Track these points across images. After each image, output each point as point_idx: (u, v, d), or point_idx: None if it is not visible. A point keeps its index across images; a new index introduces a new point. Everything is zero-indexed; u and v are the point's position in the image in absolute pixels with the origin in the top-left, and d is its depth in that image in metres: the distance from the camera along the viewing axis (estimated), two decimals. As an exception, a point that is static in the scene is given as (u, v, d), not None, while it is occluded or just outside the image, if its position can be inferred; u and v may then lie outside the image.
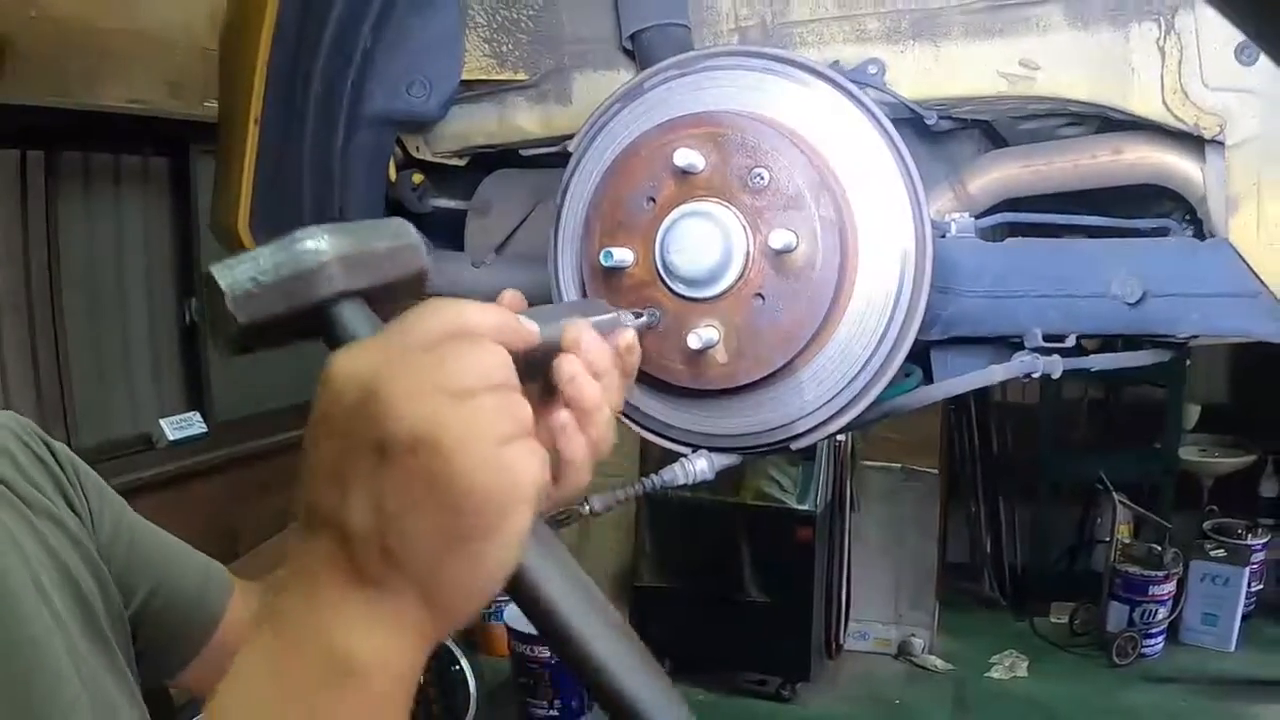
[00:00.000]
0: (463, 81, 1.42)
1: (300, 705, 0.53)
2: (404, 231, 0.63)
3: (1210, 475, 4.72)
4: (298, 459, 0.55)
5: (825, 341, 1.02)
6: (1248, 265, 1.13)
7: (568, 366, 0.60)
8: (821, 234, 0.98)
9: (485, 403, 0.51)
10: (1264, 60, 1.13)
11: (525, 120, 1.46)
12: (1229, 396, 4.90)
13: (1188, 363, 4.44)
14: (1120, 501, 4.50)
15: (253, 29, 1.38)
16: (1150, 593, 4.31)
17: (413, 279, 0.62)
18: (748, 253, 0.99)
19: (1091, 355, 1.25)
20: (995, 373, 1.19)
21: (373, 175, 1.48)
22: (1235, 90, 1.15)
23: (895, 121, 1.28)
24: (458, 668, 3.48)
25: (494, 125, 1.48)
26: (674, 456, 1.14)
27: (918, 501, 4.45)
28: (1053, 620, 4.67)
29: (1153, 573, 4.32)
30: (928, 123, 1.27)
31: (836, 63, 1.25)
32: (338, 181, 1.45)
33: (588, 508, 1.07)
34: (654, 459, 1.13)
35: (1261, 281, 1.12)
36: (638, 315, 0.83)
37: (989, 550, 4.98)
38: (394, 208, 1.54)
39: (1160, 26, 1.17)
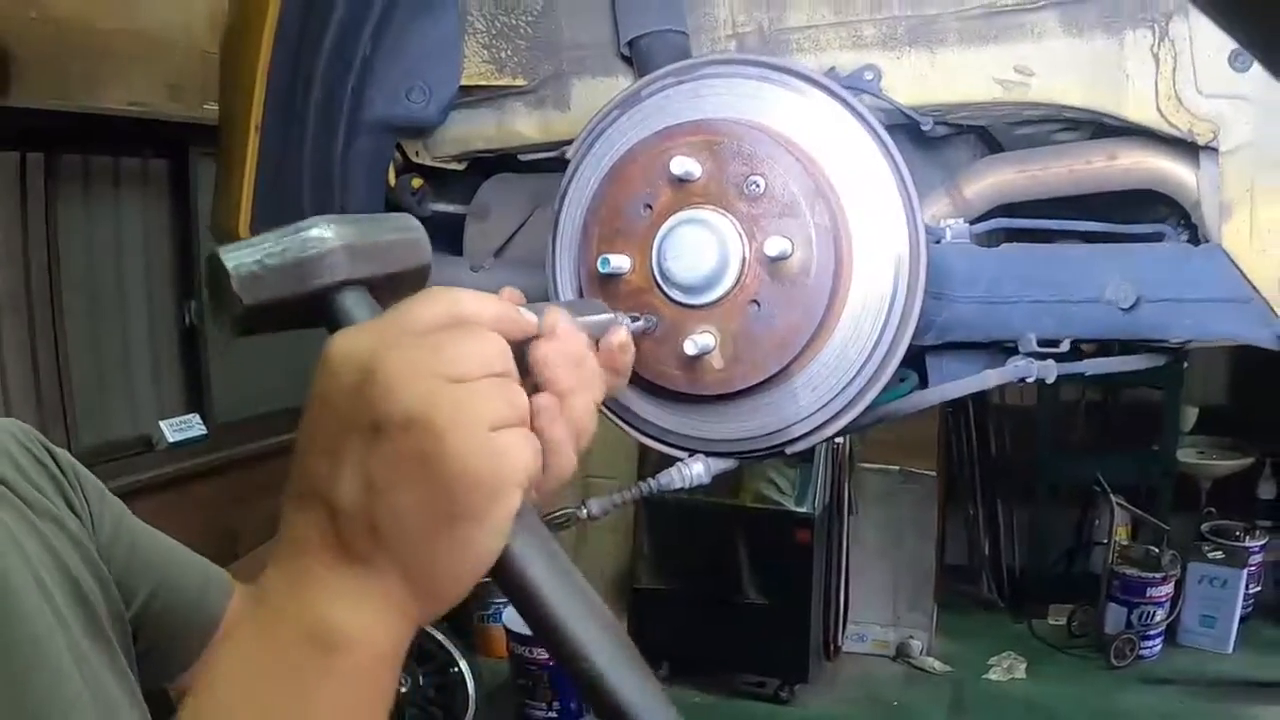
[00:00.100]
0: (462, 87, 1.43)
1: (285, 678, 0.54)
2: (409, 225, 0.65)
3: (1208, 477, 4.72)
4: (292, 461, 0.56)
5: (820, 347, 1.02)
6: (1240, 271, 1.14)
7: (541, 349, 0.61)
8: (816, 241, 0.99)
9: (481, 388, 0.52)
10: (1257, 67, 1.14)
11: (524, 125, 1.47)
12: (1227, 399, 4.91)
13: (1185, 365, 4.44)
14: (1118, 503, 4.50)
15: (253, 34, 1.38)
16: (1148, 594, 4.31)
17: (415, 272, 0.64)
18: (743, 260, 1.00)
19: (1085, 360, 1.26)
20: (989, 377, 1.20)
21: (372, 180, 1.49)
22: (1229, 97, 1.16)
23: (891, 127, 1.29)
24: (456, 669, 3.49)
25: (493, 130, 1.49)
26: (672, 461, 1.15)
27: (916, 503, 4.45)
28: (1051, 622, 4.67)
29: (1150, 575, 4.33)
30: (923, 128, 1.28)
31: (833, 69, 1.26)
32: (338, 186, 1.45)
33: (585, 511, 1.08)
34: (652, 463, 1.13)
35: (1254, 287, 1.13)
36: (634, 320, 0.84)
37: (987, 552, 4.99)
38: (394, 212, 1.54)
39: (1154, 33, 1.18)
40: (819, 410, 1.04)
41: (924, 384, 1.25)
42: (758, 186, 1.00)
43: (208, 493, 3.58)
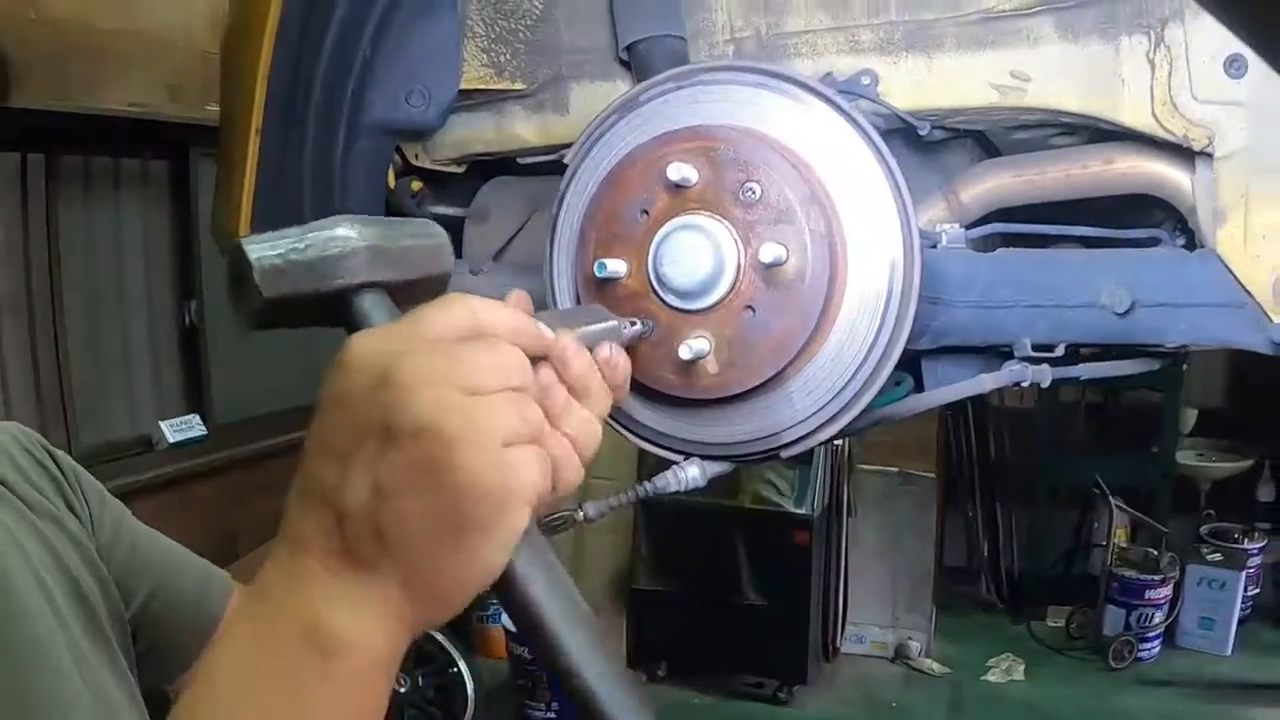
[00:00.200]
0: (461, 91, 1.43)
1: (282, 679, 0.54)
2: (432, 232, 0.65)
3: (1207, 479, 4.73)
4: (298, 462, 0.56)
5: (815, 351, 1.03)
6: (1234, 276, 1.14)
7: (552, 366, 0.61)
8: (811, 247, 1.00)
9: (496, 402, 0.52)
10: (1252, 73, 1.15)
11: (523, 129, 1.47)
12: (1226, 401, 4.91)
13: (1185, 367, 4.45)
14: (1117, 505, 4.51)
15: (254, 37, 1.39)
16: (1147, 596, 4.32)
17: (435, 279, 0.64)
18: (739, 265, 1.00)
19: (1080, 364, 1.26)
20: (984, 382, 1.21)
21: (372, 182, 1.49)
22: (1224, 103, 1.16)
23: (888, 132, 1.30)
24: (455, 670, 3.49)
25: (492, 134, 1.50)
26: (669, 463, 1.16)
27: (915, 505, 4.46)
28: (1049, 624, 4.68)
29: (1149, 577, 4.33)
30: (920, 133, 1.28)
31: (830, 74, 1.26)
32: (338, 188, 1.46)
33: (582, 514, 1.09)
34: (651, 465, 1.14)
35: (1248, 292, 1.14)
36: (632, 324, 0.84)
37: (986, 554, 4.99)
38: (393, 214, 1.55)
39: (1150, 39, 1.19)
40: (814, 414, 1.04)
41: (920, 388, 1.26)
42: (753, 193, 1.00)
43: (207, 493, 3.59)
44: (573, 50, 1.40)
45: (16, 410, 3.13)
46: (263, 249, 0.57)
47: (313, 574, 0.54)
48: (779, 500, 4.04)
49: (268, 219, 1.47)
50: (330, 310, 0.59)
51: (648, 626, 4.27)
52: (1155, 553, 4.38)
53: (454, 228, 1.62)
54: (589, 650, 0.57)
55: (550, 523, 1.09)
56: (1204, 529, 4.57)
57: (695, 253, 1.00)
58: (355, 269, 0.58)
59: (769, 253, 0.98)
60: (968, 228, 1.28)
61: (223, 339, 3.91)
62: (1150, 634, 4.32)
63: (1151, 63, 1.18)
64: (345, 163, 1.45)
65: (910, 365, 1.26)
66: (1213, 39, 1.15)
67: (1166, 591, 4.34)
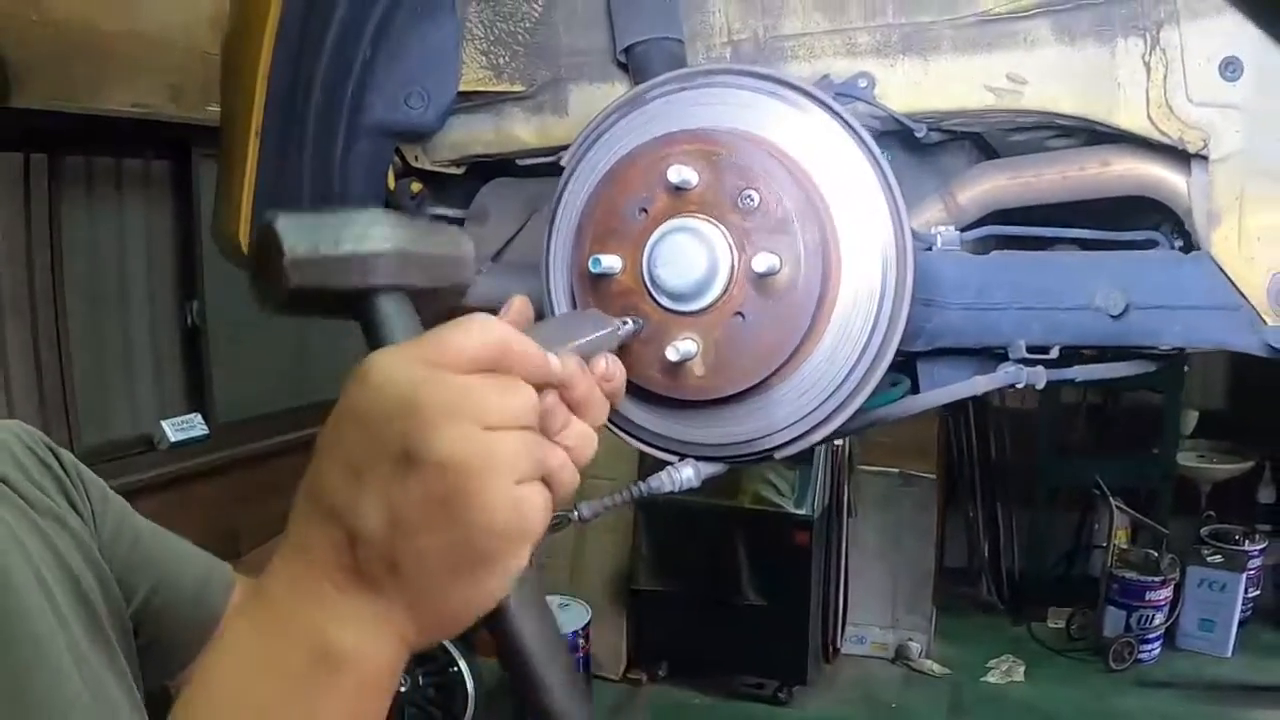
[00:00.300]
0: (460, 92, 1.44)
1: (286, 687, 0.55)
2: (460, 242, 0.66)
3: (1208, 481, 4.73)
4: (299, 461, 0.56)
5: (808, 354, 1.03)
6: (1228, 278, 1.15)
7: (554, 396, 0.62)
8: (805, 258, 1.00)
9: (511, 440, 0.53)
10: (1247, 76, 1.15)
11: (522, 131, 1.48)
12: (1227, 402, 4.91)
13: (1186, 369, 4.45)
14: (1118, 507, 4.51)
15: (254, 39, 1.40)
16: (1147, 598, 4.32)
17: (455, 289, 0.65)
18: (732, 271, 1.00)
19: (1075, 366, 1.27)
20: (979, 383, 1.21)
21: (371, 184, 1.50)
22: (1219, 105, 1.16)
23: (885, 134, 1.30)
24: (456, 669, 3.50)
25: (491, 135, 1.50)
26: (666, 464, 1.16)
27: (915, 506, 4.46)
28: (1050, 625, 4.68)
29: (1150, 578, 4.33)
30: (917, 135, 1.28)
31: (826, 77, 1.27)
32: (337, 190, 1.46)
33: (577, 514, 1.09)
34: (650, 466, 1.14)
35: (1242, 294, 1.14)
36: (624, 324, 0.85)
37: (986, 555, 5.00)
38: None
39: (1146, 42, 1.19)
40: (807, 416, 1.04)
41: (916, 389, 1.26)
42: (752, 200, 1.01)
43: (209, 492, 3.60)
44: (571, 53, 1.41)
45: (19, 409, 3.14)
46: (296, 237, 0.57)
47: (322, 592, 0.55)
48: (779, 501, 4.04)
49: (267, 220, 1.47)
50: (350, 305, 0.60)
51: (648, 627, 4.27)
52: (1156, 554, 4.38)
53: (453, 229, 1.63)
54: (565, 682, 0.59)
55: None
56: (1204, 530, 4.57)
57: (690, 256, 1.00)
58: (384, 271, 0.59)
59: (763, 262, 0.98)
60: (964, 230, 1.28)
61: (224, 339, 3.92)
62: (1150, 635, 4.33)
63: (1147, 65, 1.19)
64: (345, 164, 1.46)
65: (906, 367, 1.26)
66: (1208, 42, 1.16)
67: (1167, 593, 4.34)
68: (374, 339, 0.60)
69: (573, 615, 4.00)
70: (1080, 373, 1.28)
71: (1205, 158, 1.18)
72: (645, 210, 1.05)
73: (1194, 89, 1.17)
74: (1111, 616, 4.39)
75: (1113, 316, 1.17)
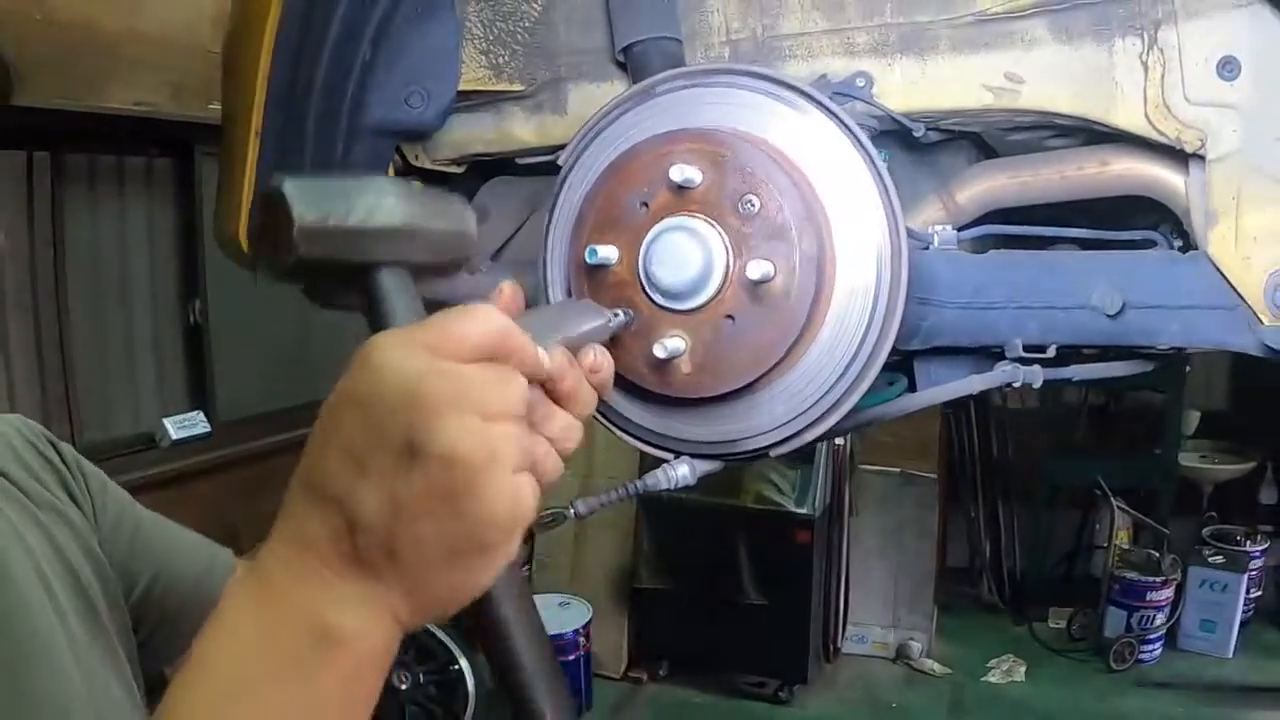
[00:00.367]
0: (460, 92, 1.44)
1: (283, 668, 0.56)
2: (465, 218, 0.67)
3: (1209, 481, 4.73)
4: (304, 446, 0.57)
5: (801, 353, 1.03)
6: (1225, 278, 1.15)
7: (533, 393, 0.63)
8: (800, 267, 1.00)
9: (507, 431, 0.54)
10: (1245, 75, 1.15)
11: (521, 130, 1.48)
12: (1229, 403, 4.91)
13: (1188, 369, 4.45)
14: (1119, 507, 4.51)
15: (254, 39, 1.40)
16: (1148, 598, 4.32)
17: (455, 263, 0.66)
18: (726, 274, 1.00)
19: (1072, 365, 1.27)
20: (974, 382, 1.21)
21: (372, 183, 1.50)
22: (1216, 105, 1.17)
23: (884, 133, 1.31)
24: (456, 667, 3.50)
25: (491, 134, 1.50)
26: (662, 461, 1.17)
27: (916, 505, 4.47)
28: (1050, 625, 4.69)
29: (1151, 578, 4.33)
30: (915, 135, 1.29)
31: (824, 76, 1.27)
32: (337, 189, 1.47)
33: (572, 511, 1.10)
34: (651, 465, 1.15)
35: (1239, 294, 1.14)
36: (616, 315, 0.85)
37: (987, 554, 5.00)
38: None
39: (1143, 41, 1.19)
40: (801, 414, 1.04)
41: (913, 388, 1.26)
42: (753, 206, 1.01)
43: (210, 490, 3.61)
44: (570, 52, 1.41)
45: (21, 407, 3.15)
46: (306, 205, 0.57)
47: (321, 576, 0.55)
48: (780, 500, 4.04)
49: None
50: (352, 275, 0.60)
51: (649, 625, 4.28)
52: (1157, 554, 4.39)
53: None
54: (543, 666, 0.60)
55: (542, 520, 1.11)
56: (1206, 531, 4.58)
57: (685, 255, 1.00)
58: (390, 248, 0.59)
59: (757, 269, 0.98)
60: (960, 229, 1.28)
61: (226, 337, 3.93)
62: (1151, 636, 4.33)
63: (1145, 65, 1.19)
64: (345, 164, 1.46)
65: (903, 366, 1.27)
66: (1206, 41, 1.16)
67: (1168, 593, 4.34)
68: (375, 314, 0.60)
69: (574, 614, 4.01)
70: (1077, 372, 1.28)
71: (1203, 157, 1.18)
72: (646, 204, 1.06)
73: (1191, 88, 1.17)
74: (1113, 617, 4.39)
75: (1109, 316, 1.17)
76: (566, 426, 0.63)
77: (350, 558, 0.55)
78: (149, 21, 3.13)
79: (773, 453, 1.08)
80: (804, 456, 4.01)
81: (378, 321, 0.60)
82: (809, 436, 1.05)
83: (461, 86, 1.44)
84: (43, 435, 0.88)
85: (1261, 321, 1.14)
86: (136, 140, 3.56)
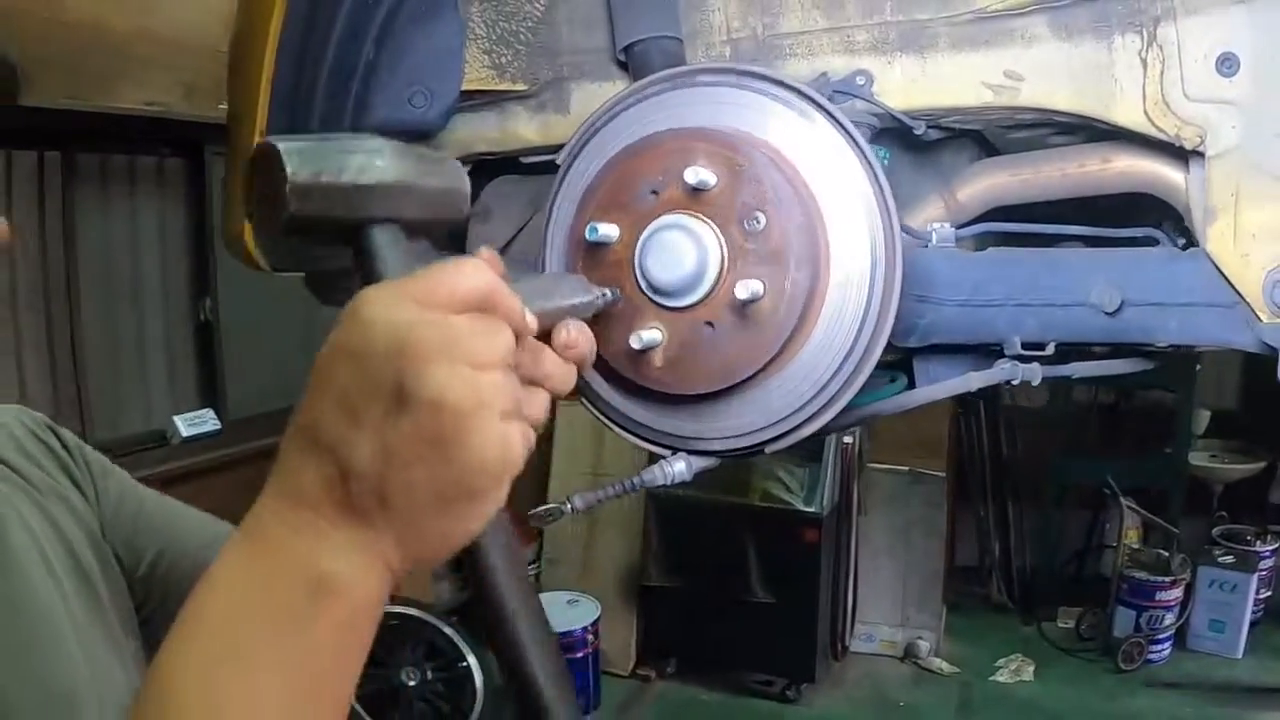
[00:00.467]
0: (463, 92, 1.45)
1: (276, 619, 0.57)
2: (459, 176, 0.67)
3: (1220, 481, 4.71)
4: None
5: (797, 351, 1.04)
6: (1224, 275, 1.15)
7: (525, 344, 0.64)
8: (790, 292, 1.00)
9: (496, 379, 0.55)
10: (1244, 72, 1.15)
11: (525, 129, 1.49)
12: (1239, 403, 4.89)
13: (1198, 368, 4.43)
14: (1129, 507, 4.50)
15: (258, 41, 1.41)
16: (1157, 598, 4.31)
17: (449, 221, 0.66)
18: (716, 283, 1.01)
19: (1071, 363, 1.27)
20: (972, 380, 1.21)
21: (376, 182, 1.51)
22: (1215, 102, 1.16)
23: (884, 131, 1.31)
24: (465, 664, 3.52)
25: (495, 133, 1.51)
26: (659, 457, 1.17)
27: (925, 504, 4.46)
28: (1059, 625, 4.68)
29: (1160, 578, 4.32)
30: (916, 133, 1.29)
31: (824, 75, 1.27)
32: (341, 188, 1.47)
33: (570, 506, 1.11)
34: (651, 462, 1.15)
35: (1237, 291, 1.14)
36: (603, 295, 0.86)
37: (996, 554, 4.99)
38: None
39: (1143, 38, 1.19)
40: (795, 412, 1.05)
41: (912, 385, 1.26)
42: (758, 223, 1.01)
43: (220, 487, 3.62)
44: (573, 51, 1.41)
45: (34, 404, 3.13)
46: (299, 162, 0.57)
47: (315, 526, 0.56)
48: (789, 498, 4.05)
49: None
50: (344, 232, 0.60)
51: (657, 623, 4.29)
52: (1166, 554, 4.37)
53: (458, 226, 1.64)
54: (529, 617, 0.61)
55: (540, 515, 1.11)
56: (1216, 531, 4.56)
57: (682, 254, 1.01)
58: (384, 204, 0.60)
59: (746, 289, 0.99)
60: (960, 227, 1.28)
61: (237, 335, 3.96)
62: (1161, 636, 4.31)
63: (1144, 61, 1.19)
64: (349, 163, 1.47)
65: (903, 364, 1.27)
66: (1205, 38, 1.16)
67: (1177, 593, 4.33)
68: (367, 271, 0.61)
69: (582, 611, 4.02)
70: (1077, 369, 1.28)
71: (1202, 154, 1.18)
72: (656, 193, 1.06)
73: (1191, 85, 1.17)
74: (1122, 616, 4.37)
75: (1108, 313, 1.17)
76: (556, 366, 0.66)
77: (343, 505, 0.56)
78: (160, 21, 3.15)
79: (768, 449, 1.08)
80: (812, 455, 4.01)
81: (369, 277, 0.60)
82: (804, 432, 1.06)
83: (465, 86, 1.44)
84: (43, 423, 0.90)
85: (1260, 319, 1.14)
86: (148, 140, 3.59)
